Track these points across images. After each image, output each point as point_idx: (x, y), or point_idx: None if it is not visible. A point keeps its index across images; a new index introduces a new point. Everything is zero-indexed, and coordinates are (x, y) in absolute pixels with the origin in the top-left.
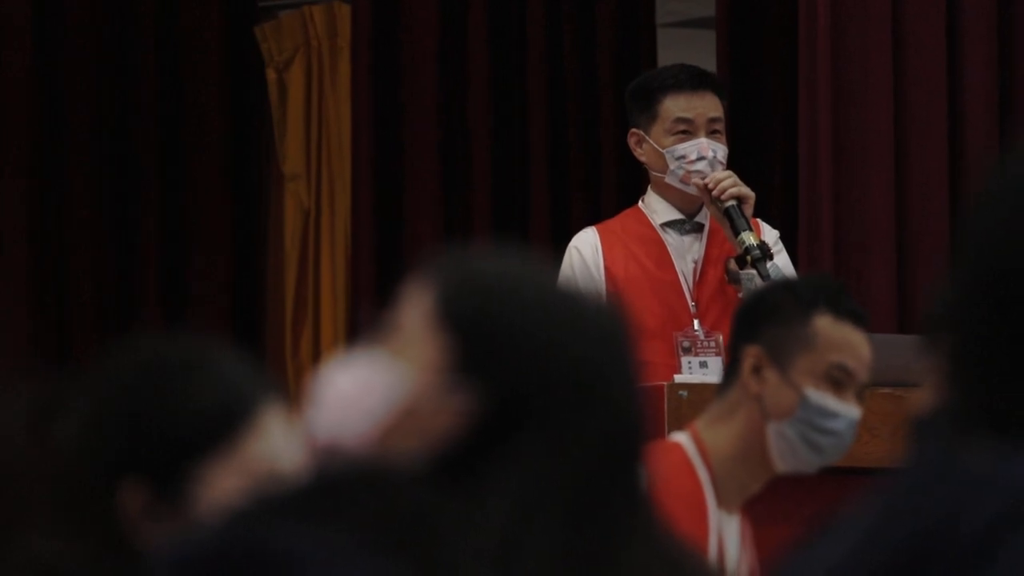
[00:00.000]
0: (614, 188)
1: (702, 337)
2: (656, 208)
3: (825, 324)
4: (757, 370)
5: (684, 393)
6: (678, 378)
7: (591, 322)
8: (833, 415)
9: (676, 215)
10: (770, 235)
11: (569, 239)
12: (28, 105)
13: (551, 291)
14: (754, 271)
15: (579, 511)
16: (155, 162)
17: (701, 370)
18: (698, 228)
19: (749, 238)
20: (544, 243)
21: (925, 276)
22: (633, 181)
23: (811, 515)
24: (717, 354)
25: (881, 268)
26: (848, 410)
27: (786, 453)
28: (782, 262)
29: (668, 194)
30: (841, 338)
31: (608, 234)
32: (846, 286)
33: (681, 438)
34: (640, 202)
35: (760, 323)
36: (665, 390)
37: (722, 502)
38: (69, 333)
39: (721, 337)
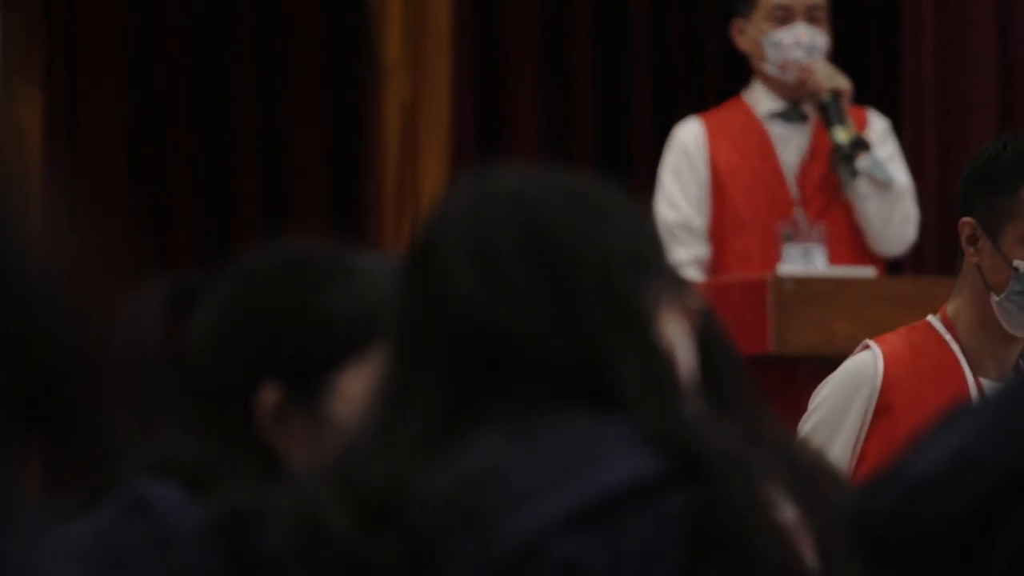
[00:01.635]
0: (716, 82)
1: (805, 226)
2: (759, 98)
3: None
4: (973, 240)
5: (790, 284)
6: (782, 269)
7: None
8: None
9: (780, 105)
10: (877, 125)
11: (669, 133)
12: (121, 8)
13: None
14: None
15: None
16: (252, 58)
17: (803, 259)
18: (803, 118)
19: (839, 134)
20: (646, 138)
21: None
22: (737, 76)
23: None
24: (820, 243)
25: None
26: None
27: (1012, 322)
28: (886, 154)
29: (771, 84)
30: None
31: (712, 124)
32: None
33: (930, 317)
34: (743, 92)
35: (975, 191)
36: (769, 282)
37: (981, 371)
38: (169, 224)
39: (825, 227)
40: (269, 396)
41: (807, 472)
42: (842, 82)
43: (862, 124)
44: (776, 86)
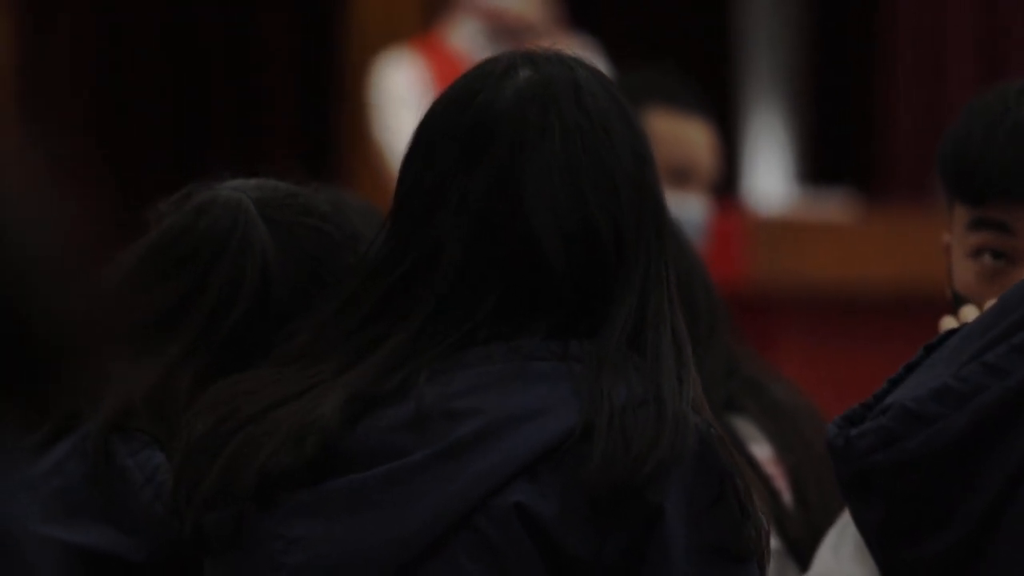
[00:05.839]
0: None
1: None
2: (463, 33)
3: (654, 120)
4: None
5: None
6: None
7: None
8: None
9: (484, 37)
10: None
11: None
12: None
13: None
14: None
15: None
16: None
17: None
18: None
19: None
20: None
21: None
22: None
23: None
24: None
25: None
26: (686, 209)
27: None
28: None
29: (475, 16)
30: (670, 132)
31: (423, 65)
32: (681, 77)
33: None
34: (443, 26)
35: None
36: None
37: None
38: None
39: None
40: None
41: (784, 409)
42: (530, 12)
43: None
44: (479, 16)
